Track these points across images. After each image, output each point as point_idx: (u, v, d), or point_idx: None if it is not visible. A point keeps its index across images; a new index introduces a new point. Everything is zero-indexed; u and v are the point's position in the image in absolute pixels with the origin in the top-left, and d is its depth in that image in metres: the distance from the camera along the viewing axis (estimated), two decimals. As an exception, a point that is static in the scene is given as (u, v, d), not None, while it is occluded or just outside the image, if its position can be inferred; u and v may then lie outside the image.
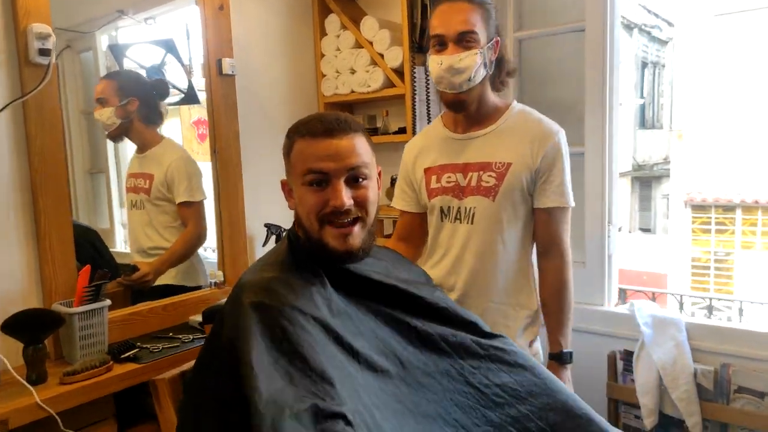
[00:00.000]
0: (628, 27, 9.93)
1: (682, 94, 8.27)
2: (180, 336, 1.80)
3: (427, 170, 1.58)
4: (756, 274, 7.57)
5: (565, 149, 1.49)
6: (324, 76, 2.45)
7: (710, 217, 8.15)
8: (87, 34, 2.08)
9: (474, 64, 1.41)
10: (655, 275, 8.17)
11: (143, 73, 2.12)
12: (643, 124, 10.95)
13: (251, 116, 2.23)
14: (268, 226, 2.22)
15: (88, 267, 1.59)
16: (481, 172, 1.49)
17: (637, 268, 8.32)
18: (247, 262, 2.20)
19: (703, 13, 7.86)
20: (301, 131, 1.11)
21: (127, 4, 2.12)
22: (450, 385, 1.08)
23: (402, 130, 2.27)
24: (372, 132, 2.35)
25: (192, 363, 1.16)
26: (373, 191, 1.12)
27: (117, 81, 2.02)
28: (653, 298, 3.15)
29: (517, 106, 1.55)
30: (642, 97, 10.80)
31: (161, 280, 2.06)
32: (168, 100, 2.14)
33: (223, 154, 2.11)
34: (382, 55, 2.26)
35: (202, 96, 2.19)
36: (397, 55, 2.22)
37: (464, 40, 1.41)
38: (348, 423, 0.86)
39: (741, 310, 2.81)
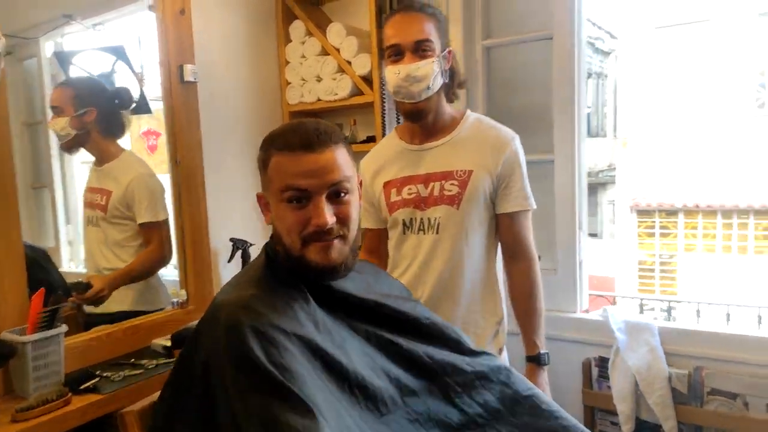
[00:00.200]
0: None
1: (625, 104, 8.59)
2: (143, 362, 1.69)
3: (386, 184, 1.57)
4: (698, 276, 7.91)
5: (522, 154, 1.53)
6: (289, 83, 2.38)
7: (654, 222, 8.48)
8: (30, 41, 1.96)
9: (432, 72, 1.42)
10: (604, 279, 8.41)
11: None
12: (588, 132, 11.31)
13: (213, 125, 2.13)
14: (233, 240, 2.13)
15: (42, 290, 1.46)
16: (443, 181, 1.49)
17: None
18: (212, 279, 2.09)
19: (645, 25, 8.20)
20: (277, 144, 1.04)
21: (74, 9, 2.01)
22: (434, 404, 1.05)
23: (371, 139, 2.23)
24: (340, 141, 2.29)
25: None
26: (354, 207, 1.08)
27: (74, 89, 1.89)
28: (614, 302, 3.20)
29: (471, 115, 1.57)
30: (587, 106, 11.17)
31: (116, 306, 1.93)
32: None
33: (185, 164, 2.01)
34: (349, 63, 2.21)
35: (154, 105, 2.09)
36: (365, 63, 2.18)
37: (421, 48, 1.42)
38: None
39: (698, 312, 2.88)
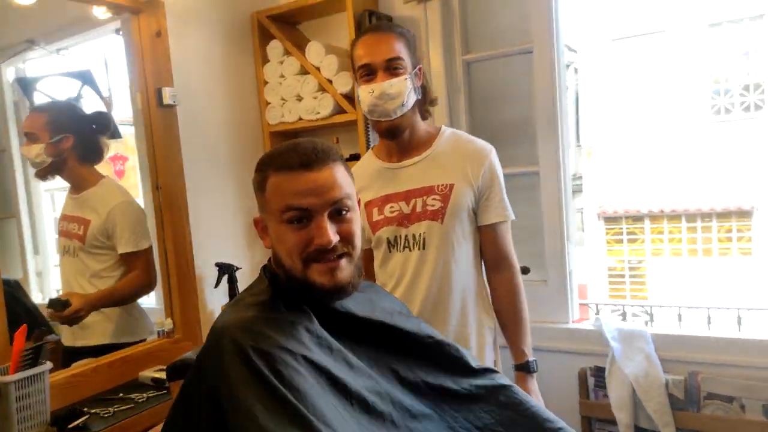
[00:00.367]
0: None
1: (587, 115, 8.79)
2: (132, 396, 1.63)
3: (367, 204, 1.56)
4: (666, 279, 8.09)
5: (499, 165, 1.55)
6: (268, 103, 2.34)
7: (622, 228, 8.65)
8: (-10, 66, 1.89)
9: (405, 88, 1.43)
10: (579, 287, 8.49)
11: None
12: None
13: (192, 148, 2.08)
14: (219, 265, 2.07)
15: (24, 327, 1.39)
16: (425, 197, 1.50)
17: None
18: (198, 306, 2.03)
19: (602, 38, 8.44)
20: (275, 164, 1.01)
21: (37, 35, 1.96)
22: (434, 429, 1.03)
23: (355, 157, 2.21)
24: (322, 160, 2.26)
25: (156, 427, 1.03)
26: (357, 224, 1.05)
27: (48, 114, 1.83)
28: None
29: (447, 130, 1.59)
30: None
31: (96, 339, 1.86)
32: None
33: (166, 189, 1.95)
34: (330, 81, 2.19)
35: (123, 130, 2.04)
36: (346, 81, 2.16)
37: (392, 67, 1.43)
38: None
39: (680, 316, 2.92)
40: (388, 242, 1.54)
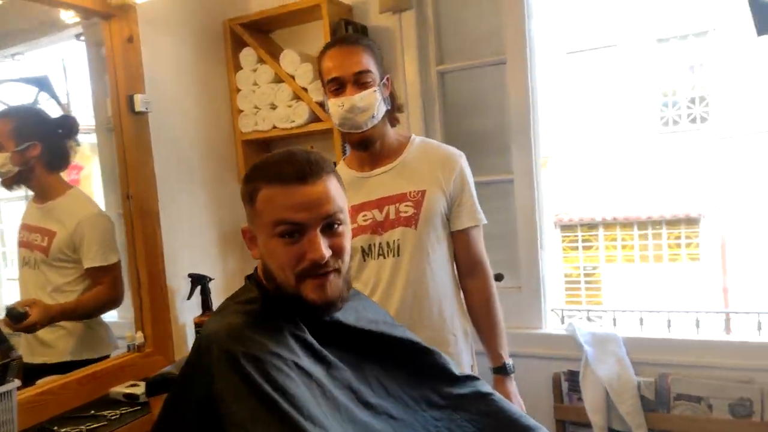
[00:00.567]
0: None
1: (542, 126, 9.00)
2: (104, 413, 1.57)
3: None
4: (619, 285, 8.34)
5: (469, 171, 1.59)
6: (241, 111, 2.31)
7: (577, 236, 8.89)
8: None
9: (375, 101, 1.46)
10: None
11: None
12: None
13: (163, 156, 2.02)
14: (192, 276, 2.02)
15: (-9, 343, 1.32)
16: (398, 204, 1.52)
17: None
18: (170, 319, 1.97)
19: (556, 51, 8.68)
20: (267, 176, 1.00)
21: None
22: None
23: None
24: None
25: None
26: (347, 238, 1.05)
27: (13, 121, 1.74)
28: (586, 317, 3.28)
29: (417, 138, 1.62)
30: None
31: (58, 357, 1.78)
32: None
33: (137, 199, 1.89)
34: (305, 89, 2.18)
35: (84, 138, 1.98)
36: (321, 89, 2.15)
37: (361, 80, 1.45)
38: None
39: (641, 320, 3.01)
40: (363, 251, 1.54)
